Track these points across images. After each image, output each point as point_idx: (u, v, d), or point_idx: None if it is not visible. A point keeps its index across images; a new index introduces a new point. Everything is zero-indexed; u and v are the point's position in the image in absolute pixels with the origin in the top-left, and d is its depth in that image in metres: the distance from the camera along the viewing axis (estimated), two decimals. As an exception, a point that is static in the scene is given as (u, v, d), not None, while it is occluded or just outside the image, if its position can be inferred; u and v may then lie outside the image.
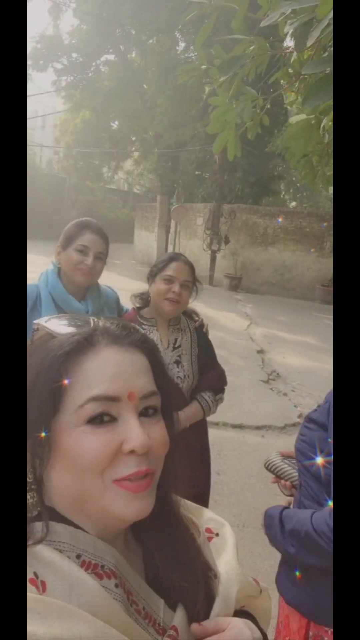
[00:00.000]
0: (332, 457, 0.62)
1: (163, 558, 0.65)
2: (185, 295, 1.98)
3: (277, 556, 1.42)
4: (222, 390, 2.12)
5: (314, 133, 2.12)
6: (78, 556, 0.55)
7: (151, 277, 2.01)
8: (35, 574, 0.51)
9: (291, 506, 1.36)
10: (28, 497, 0.58)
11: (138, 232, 19.12)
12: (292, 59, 2.21)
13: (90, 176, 23.59)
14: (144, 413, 0.60)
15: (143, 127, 16.64)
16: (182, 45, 15.99)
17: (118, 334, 0.62)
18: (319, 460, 1.22)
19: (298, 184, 19.11)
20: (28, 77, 15.19)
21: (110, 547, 0.58)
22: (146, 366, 0.63)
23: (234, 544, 0.74)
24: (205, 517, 0.77)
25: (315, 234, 13.25)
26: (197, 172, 16.84)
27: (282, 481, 1.46)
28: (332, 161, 2.45)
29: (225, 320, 9.05)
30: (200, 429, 2.10)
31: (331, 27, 1.23)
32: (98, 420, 0.56)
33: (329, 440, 1.23)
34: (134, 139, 19.68)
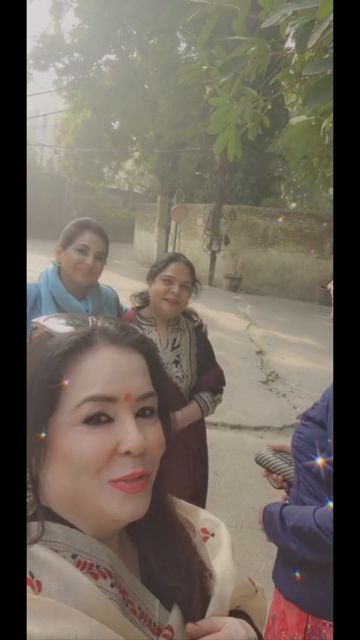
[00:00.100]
0: (332, 454, 0.62)
1: (158, 558, 0.65)
2: (185, 296, 1.98)
3: (275, 557, 1.42)
4: (220, 391, 2.12)
5: (315, 134, 2.12)
6: (74, 556, 0.55)
7: (151, 277, 2.01)
8: (30, 573, 0.51)
9: (286, 502, 1.36)
10: None
11: (138, 232, 19.12)
12: (293, 61, 2.21)
13: (91, 176, 23.63)
14: (140, 414, 0.60)
15: (144, 127, 16.66)
16: (183, 45, 16.01)
17: (116, 334, 0.62)
18: (319, 460, 1.23)
19: (298, 185, 19.10)
20: (29, 76, 15.21)
21: (105, 547, 0.58)
22: (144, 367, 0.63)
23: (230, 544, 0.74)
24: (201, 518, 0.77)
25: (315, 235, 13.26)
26: (197, 173, 16.85)
27: (274, 475, 1.48)
28: (332, 163, 2.46)
29: (225, 321, 9.05)
30: (198, 429, 2.10)
31: (332, 29, 1.23)
32: (95, 420, 0.56)
33: (328, 439, 1.23)
34: (134, 139, 19.70)
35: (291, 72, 2.24)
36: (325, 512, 1.16)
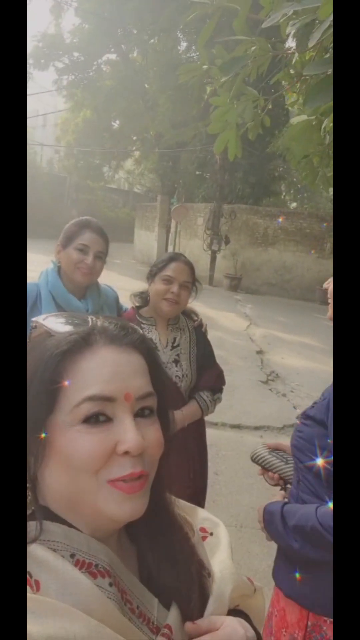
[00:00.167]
0: (332, 452, 0.63)
1: (157, 557, 0.65)
2: (184, 296, 1.98)
3: (274, 556, 1.42)
4: (220, 390, 2.13)
5: (315, 134, 2.12)
6: (72, 555, 0.55)
7: (151, 276, 2.01)
8: (29, 573, 0.51)
9: (286, 501, 1.36)
10: None
11: (138, 232, 19.12)
12: (294, 60, 2.21)
13: (91, 175, 23.63)
14: (139, 414, 0.60)
15: (144, 126, 16.66)
16: (183, 45, 16.01)
17: (116, 333, 0.61)
18: (319, 459, 1.24)
19: (299, 185, 19.11)
20: (29, 75, 15.21)
21: (104, 546, 0.58)
22: (143, 367, 0.62)
23: (228, 544, 0.74)
24: (200, 517, 0.77)
25: (315, 235, 13.26)
26: (197, 172, 16.85)
27: (270, 473, 1.49)
28: (332, 162, 2.45)
29: (225, 321, 9.05)
30: (198, 428, 2.10)
31: (332, 29, 1.23)
32: (93, 420, 0.56)
33: (329, 439, 1.23)
34: (134, 138, 19.70)
35: (292, 71, 2.24)
36: (328, 510, 1.17)
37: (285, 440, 1.57)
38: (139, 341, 0.63)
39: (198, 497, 2.09)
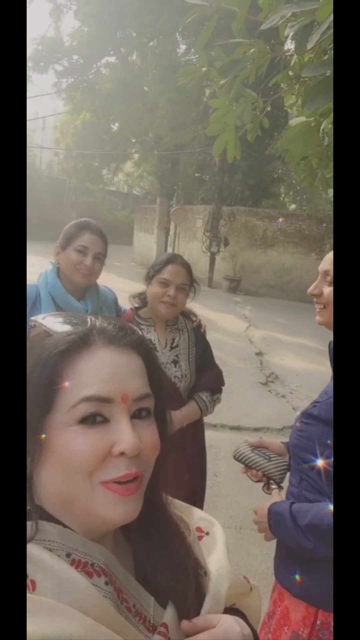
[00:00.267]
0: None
1: (153, 556, 0.65)
2: (182, 298, 1.97)
3: (274, 558, 1.42)
4: (219, 391, 2.13)
5: (314, 136, 2.12)
6: (68, 555, 0.55)
7: (148, 278, 2.00)
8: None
9: (291, 500, 1.36)
10: None
11: (137, 234, 19.12)
12: (293, 62, 2.22)
13: (90, 178, 23.64)
14: (136, 415, 0.60)
15: (143, 129, 16.70)
16: (182, 47, 16.07)
17: (114, 334, 0.61)
18: (324, 457, 1.24)
19: (298, 187, 19.14)
20: (28, 78, 15.22)
21: (100, 545, 0.58)
22: (141, 368, 0.62)
23: (224, 543, 0.74)
24: (196, 517, 0.77)
25: (314, 237, 13.26)
26: (196, 174, 16.86)
27: (253, 470, 1.51)
28: (331, 164, 2.46)
29: (224, 322, 9.05)
30: (197, 430, 2.10)
31: (331, 30, 1.23)
32: (90, 420, 0.56)
33: (330, 438, 1.24)
34: (134, 141, 19.73)
35: (290, 73, 2.25)
36: None
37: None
38: (137, 342, 0.63)
39: (197, 499, 2.09)
